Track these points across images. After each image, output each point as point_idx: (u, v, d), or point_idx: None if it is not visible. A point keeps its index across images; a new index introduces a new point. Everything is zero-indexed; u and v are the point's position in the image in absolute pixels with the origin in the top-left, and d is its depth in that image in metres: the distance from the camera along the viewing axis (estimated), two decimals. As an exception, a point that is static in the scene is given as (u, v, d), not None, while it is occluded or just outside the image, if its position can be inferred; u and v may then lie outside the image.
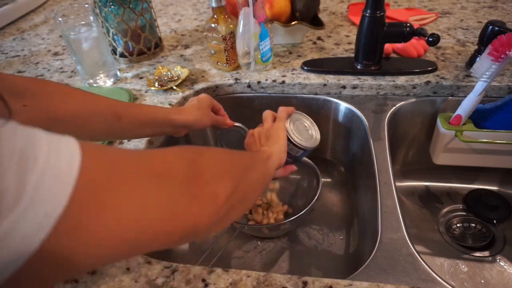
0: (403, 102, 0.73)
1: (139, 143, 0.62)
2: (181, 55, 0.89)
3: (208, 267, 0.44)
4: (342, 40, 0.89)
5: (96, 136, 0.49)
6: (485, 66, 0.58)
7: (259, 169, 0.45)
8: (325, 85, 0.75)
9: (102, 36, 0.76)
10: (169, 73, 0.78)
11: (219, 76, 0.79)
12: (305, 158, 0.72)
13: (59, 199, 0.20)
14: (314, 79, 0.75)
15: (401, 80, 0.72)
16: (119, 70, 0.84)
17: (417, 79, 0.72)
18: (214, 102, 0.61)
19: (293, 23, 0.80)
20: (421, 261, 0.46)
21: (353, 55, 0.77)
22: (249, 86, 0.77)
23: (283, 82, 0.75)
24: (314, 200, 0.65)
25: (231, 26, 0.74)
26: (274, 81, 0.76)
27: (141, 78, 0.81)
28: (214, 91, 0.78)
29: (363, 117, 0.70)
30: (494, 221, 0.72)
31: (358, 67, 0.75)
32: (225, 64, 0.79)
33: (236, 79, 0.77)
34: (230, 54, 0.77)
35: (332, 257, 0.69)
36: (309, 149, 0.56)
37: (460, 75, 0.72)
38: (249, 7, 0.68)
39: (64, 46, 0.99)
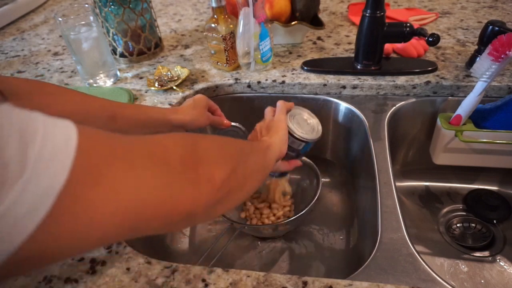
0: (403, 102, 0.73)
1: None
2: (181, 55, 0.89)
3: (208, 267, 0.44)
4: (342, 40, 0.89)
5: None
6: (485, 66, 0.58)
7: (258, 156, 0.45)
8: (325, 85, 0.75)
9: (102, 36, 0.76)
10: (169, 73, 0.78)
11: (219, 76, 0.79)
12: (305, 158, 0.72)
13: (60, 172, 0.20)
14: (314, 79, 0.75)
15: (401, 80, 0.72)
16: (119, 70, 0.84)
17: (417, 79, 0.72)
18: (211, 103, 0.62)
19: (293, 23, 0.80)
20: (421, 261, 0.46)
21: (353, 55, 0.77)
22: (249, 86, 0.77)
23: (283, 82, 0.75)
24: (314, 200, 0.65)
25: (231, 26, 0.74)
26: (274, 81, 0.76)
27: (141, 78, 0.81)
28: (214, 91, 0.78)
29: (363, 117, 0.70)
30: (494, 221, 0.72)
31: (358, 67, 0.75)
32: (225, 64, 0.79)
33: (236, 79, 0.77)
34: (230, 54, 0.77)
35: (332, 257, 0.69)
36: (311, 141, 0.56)
37: (460, 75, 0.72)
38: (249, 7, 0.68)
39: (64, 46, 0.99)
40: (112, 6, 0.78)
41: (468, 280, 0.64)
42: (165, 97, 0.74)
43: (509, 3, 1.00)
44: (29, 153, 0.19)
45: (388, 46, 0.77)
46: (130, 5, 0.79)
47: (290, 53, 0.85)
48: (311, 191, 0.70)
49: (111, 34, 0.83)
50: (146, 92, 0.76)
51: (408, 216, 0.76)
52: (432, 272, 0.44)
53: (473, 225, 0.73)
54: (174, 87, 0.75)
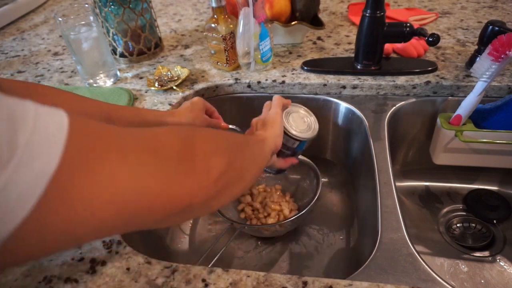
0: (403, 102, 0.73)
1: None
2: (181, 55, 0.89)
3: (208, 267, 0.44)
4: (342, 40, 0.89)
5: None
6: (485, 66, 0.58)
7: (254, 149, 0.45)
8: (325, 85, 0.75)
9: (102, 36, 0.76)
10: (169, 73, 0.78)
11: (219, 76, 0.79)
12: (305, 158, 0.72)
13: (51, 156, 0.20)
14: (314, 79, 0.75)
15: (401, 80, 0.72)
16: (119, 70, 0.84)
17: (417, 79, 0.72)
18: (208, 105, 0.61)
19: (293, 23, 0.80)
20: (421, 261, 0.46)
21: (353, 55, 0.77)
22: (249, 86, 0.77)
23: (283, 82, 0.75)
24: (314, 200, 0.65)
25: (231, 26, 0.74)
26: (274, 81, 0.76)
27: (141, 78, 0.81)
28: (214, 91, 0.78)
29: (363, 117, 0.71)
30: (494, 221, 0.72)
31: (358, 67, 0.75)
32: (225, 64, 0.79)
33: (236, 79, 0.77)
34: (230, 54, 0.77)
35: (332, 257, 0.69)
36: (305, 139, 0.55)
37: (460, 75, 0.72)
38: (249, 7, 0.68)
39: (64, 46, 0.99)
40: (112, 6, 0.78)
41: (468, 280, 0.64)
42: (165, 97, 0.74)
43: (509, 3, 1.00)
44: (19, 138, 0.18)
45: (388, 46, 0.77)
46: (130, 5, 0.79)
47: (290, 53, 0.85)
48: (311, 191, 0.70)
49: (111, 34, 0.83)
50: (146, 92, 0.76)
51: (408, 216, 0.76)
52: (432, 272, 0.44)
53: (473, 225, 0.73)
54: (174, 87, 0.75)
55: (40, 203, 0.19)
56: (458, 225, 0.74)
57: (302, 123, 0.56)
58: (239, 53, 0.77)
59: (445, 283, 0.43)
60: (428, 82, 0.71)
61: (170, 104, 0.72)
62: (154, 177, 0.26)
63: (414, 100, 0.73)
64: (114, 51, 0.87)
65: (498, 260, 0.67)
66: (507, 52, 0.54)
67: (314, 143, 0.58)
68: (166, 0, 1.26)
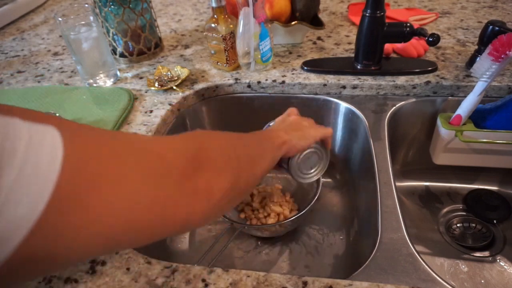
0: (403, 102, 0.73)
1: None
2: (181, 55, 0.89)
3: (208, 267, 0.44)
4: (342, 40, 0.89)
5: None
6: (485, 66, 0.58)
7: (266, 159, 0.43)
8: (325, 85, 0.75)
9: (102, 36, 0.76)
10: (169, 73, 0.78)
11: (219, 76, 0.79)
12: None
13: (39, 198, 0.18)
14: (314, 79, 0.75)
15: (401, 80, 0.72)
16: (119, 70, 0.84)
17: (417, 79, 0.72)
18: None
19: (293, 23, 0.80)
20: (421, 261, 0.46)
21: (353, 55, 0.77)
22: (249, 86, 0.77)
23: (283, 82, 0.75)
24: (314, 200, 0.65)
25: (231, 26, 0.74)
26: (274, 81, 0.76)
27: (141, 78, 0.81)
28: (214, 91, 0.78)
29: (363, 117, 0.71)
30: (494, 221, 0.72)
31: (358, 67, 0.75)
32: (225, 64, 0.79)
33: (236, 79, 0.77)
34: (230, 54, 0.77)
35: (332, 257, 0.69)
36: (298, 180, 0.56)
37: (460, 75, 0.72)
38: (249, 7, 0.68)
39: (64, 46, 0.99)
40: (112, 6, 0.78)
41: (468, 280, 0.64)
42: (165, 97, 0.74)
43: (509, 3, 1.00)
44: (4, 179, 0.17)
45: (388, 46, 0.77)
46: (130, 5, 0.79)
47: (290, 53, 0.85)
48: (311, 191, 0.70)
49: (111, 34, 0.83)
50: (146, 92, 0.76)
51: (408, 216, 0.76)
52: (432, 272, 0.44)
53: (473, 225, 0.73)
54: (174, 87, 0.75)
55: (21, 245, 0.18)
56: (458, 225, 0.74)
57: (307, 167, 0.56)
58: (239, 53, 0.77)
59: (445, 283, 0.43)
60: (428, 82, 0.71)
61: (170, 104, 0.72)
62: (152, 202, 0.25)
63: (414, 100, 0.73)
64: (114, 51, 0.87)
65: (498, 260, 0.67)
66: (507, 52, 0.54)
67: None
68: (166, 0, 1.26)
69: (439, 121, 0.68)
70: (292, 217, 0.65)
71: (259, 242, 0.72)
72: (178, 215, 0.28)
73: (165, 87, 0.75)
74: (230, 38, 0.75)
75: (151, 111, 0.70)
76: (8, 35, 1.10)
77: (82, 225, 0.21)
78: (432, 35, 0.63)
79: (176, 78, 0.77)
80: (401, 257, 0.47)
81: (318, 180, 0.69)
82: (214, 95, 0.79)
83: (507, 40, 0.55)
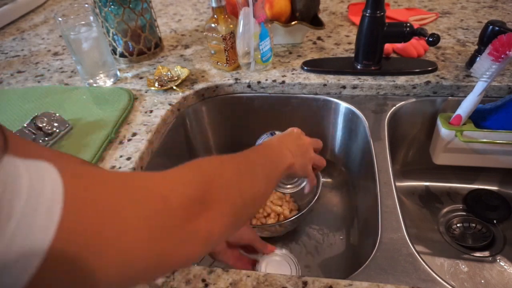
0: (403, 102, 0.73)
1: (139, 143, 0.62)
2: (181, 55, 0.89)
3: (208, 267, 0.44)
4: (342, 40, 0.89)
5: None
6: (485, 66, 0.58)
7: (271, 185, 0.42)
8: (325, 85, 0.75)
9: (102, 36, 0.76)
10: (169, 73, 0.78)
11: (219, 76, 0.79)
12: None
13: (30, 261, 0.18)
14: (314, 79, 0.75)
15: (401, 80, 0.72)
16: (119, 70, 0.84)
17: (417, 79, 0.72)
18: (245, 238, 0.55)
19: (293, 23, 0.80)
20: (421, 261, 0.46)
21: (353, 55, 0.77)
22: (249, 86, 0.77)
23: (283, 82, 0.75)
24: (314, 200, 0.65)
25: (231, 26, 0.74)
26: (274, 81, 0.76)
27: (141, 78, 0.81)
28: (214, 91, 0.78)
29: (363, 117, 0.71)
30: (494, 221, 0.72)
31: (358, 67, 0.75)
32: (225, 64, 0.79)
33: (236, 79, 0.77)
34: (230, 54, 0.77)
35: (332, 257, 0.69)
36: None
37: (460, 75, 0.72)
38: (249, 7, 0.68)
39: (64, 46, 0.99)
40: (112, 6, 0.78)
41: (468, 280, 0.64)
42: (165, 97, 0.74)
43: (509, 3, 1.00)
44: (8, 227, 0.17)
45: (388, 46, 0.77)
46: (130, 5, 0.79)
47: (290, 53, 0.85)
48: (311, 191, 0.70)
49: (111, 34, 0.83)
50: (146, 92, 0.76)
51: (408, 216, 0.76)
52: (432, 272, 0.44)
53: (473, 225, 0.73)
54: (174, 87, 0.75)
55: (33, 279, 0.18)
56: (458, 225, 0.74)
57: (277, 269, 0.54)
58: (239, 53, 0.77)
59: (445, 283, 0.43)
60: (428, 82, 0.71)
61: (170, 104, 0.72)
62: (151, 252, 0.24)
63: (414, 100, 0.73)
64: (114, 51, 0.87)
65: (498, 260, 0.67)
66: (507, 52, 0.54)
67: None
68: (166, 0, 1.26)
69: (439, 121, 0.68)
70: (292, 217, 0.65)
71: (259, 242, 0.72)
72: (176, 260, 0.27)
73: (165, 87, 0.75)
74: (230, 38, 0.75)
75: (151, 111, 0.70)
76: (8, 35, 1.10)
77: (77, 284, 0.20)
78: (432, 35, 0.63)
79: (176, 78, 0.77)
80: (401, 257, 0.47)
81: (318, 180, 0.69)
82: (214, 95, 0.79)
83: (507, 40, 0.55)
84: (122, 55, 0.86)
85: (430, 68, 0.73)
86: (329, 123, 0.79)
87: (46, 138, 0.61)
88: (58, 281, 0.20)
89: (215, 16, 0.73)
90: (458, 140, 0.66)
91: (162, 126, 0.69)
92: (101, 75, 0.78)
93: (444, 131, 0.67)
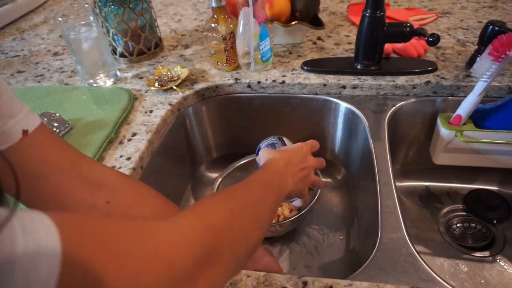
0: (403, 102, 0.73)
1: (139, 143, 0.62)
2: (181, 55, 0.89)
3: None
4: (342, 40, 0.89)
5: None
6: (485, 66, 0.58)
7: (273, 216, 0.42)
8: (325, 85, 0.75)
9: (102, 36, 0.76)
10: (169, 73, 0.78)
11: (219, 76, 0.79)
12: None
13: None
14: (314, 79, 0.75)
15: (401, 80, 0.72)
16: (119, 70, 0.84)
17: (417, 79, 0.72)
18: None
19: (293, 23, 0.80)
20: (421, 261, 0.46)
21: (353, 55, 0.77)
22: (249, 86, 0.77)
23: (283, 82, 0.75)
24: (314, 200, 0.65)
25: (231, 26, 0.74)
26: (274, 81, 0.76)
27: (141, 78, 0.81)
28: (214, 91, 0.78)
29: (363, 117, 0.70)
30: (494, 221, 0.72)
31: (358, 67, 0.75)
32: (225, 64, 0.79)
33: (236, 79, 0.77)
34: (230, 54, 0.77)
35: (332, 257, 0.69)
36: None
37: (460, 75, 0.72)
38: (249, 7, 0.68)
39: (64, 46, 0.99)
40: (112, 6, 0.78)
41: (468, 280, 0.64)
42: (165, 97, 0.74)
43: (509, 3, 1.00)
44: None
45: (388, 46, 0.77)
46: (130, 5, 0.79)
47: (290, 53, 0.85)
48: (311, 191, 0.70)
49: (111, 34, 0.83)
50: (146, 92, 0.76)
51: (408, 216, 0.76)
52: (432, 272, 0.44)
53: (473, 225, 0.73)
54: (174, 87, 0.75)
55: None
56: (458, 225, 0.74)
57: None
58: (239, 53, 0.77)
59: (445, 283, 0.43)
60: (428, 82, 0.71)
61: (170, 104, 0.72)
62: None
63: (414, 100, 0.73)
64: (114, 51, 0.87)
65: (498, 260, 0.67)
66: (507, 52, 0.54)
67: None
68: (166, 0, 1.26)
69: (439, 121, 0.68)
70: (292, 217, 0.65)
71: (259, 242, 0.72)
72: None
73: (165, 87, 0.75)
74: (230, 38, 0.75)
75: (151, 111, 0.70)
76: (8, 35, 1.10)
77: None
78: (432, 35, 0.63)
79: (176, 78, 0.77)
80: (401, 257, 0.47)
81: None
82: (214, 95, 0.79)
83: (507, 40, 0.55)
84: (122, 55, 0.86)
85: (430, 68, 0.73)
86: (329, 123, 0.79)
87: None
88: None
89: (215, 16, 0.73)
90: (458, 140, 0.66)
91: (162, 126, 0.69)
92: (101, 75, 0.78)
93: (444, 131, 0.67)
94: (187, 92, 0.75)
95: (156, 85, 0.75)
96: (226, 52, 0.76)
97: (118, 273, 0.22)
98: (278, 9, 0.80)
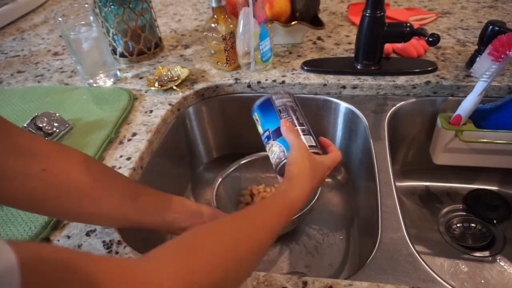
0: (403, 102, 0.73)
1: (139, 143, 0.62)
2: (181, 55, 0.89)
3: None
4: (342, 40, 0.89)
5: (108, 216, 0.43)
6: (485, 66, 0.58)
7: (268, 246, 0.39)
8: (325, 85, 0.75)
9: (102, 36, 0.76)
10: (169, 73, 0.78)
11: (219, 76, 0.79)
12: None
13: None
14: (314, 79, 0.75)
15: (401, 80, 0.72)
16: (119, 70, 0.84)
17: (417, 79, 0.72)
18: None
19: (293, 23, 0.80)
20: (421, 261, 0.46)
21: (353, 55, 0.77)
22: (249, 86, 0.77)
23: (283, 82, 0.75)
24: (314, 200, 0.65)
25: (231, 26, 0.74)
26: (274, 81, 0.76)
27: (141, 78, 0.81)
28: (214, 91, 0.78)
29: (363, 117, 0.70)
30: (494, 221, 0.72)
31: (358, 67, 0.75)
32: (225, 64, 0.79)
33: (236, 79, 0.77)
34: (230, 54, 0.77)
35: (332, 257, 0.69)
36: None
37: (460, 75, 0.72)
38: (249, 7, 0.68)
39: (64, 46, 0.99)
40: (112, 6, 0.78)
41: (468, 280, 0.64)
42: (165, 97, 0.74)
43: (509, 3, 1.00)
44: None
45: (388, 46, 0.77)
46: (130, 5, 0.79)
47: (290, 53, 0.85)
48: (311, 191, 0.70)
49: (111, 34, 0.83)
50: (146, 92, 0.76)
51: (408, 216, 0.76)
52: (432, 272, 0.44)
53: (473, 225, 0.73)
54: (174, 87, 0.75)
55: None
56: (458, 225, 0.74)
57: None
58: (239, 53, 0.77)
59: (445, 283, 0.43)
60: (428, 82, 0.71)
61: (170, 104, 0.71)
62: None
63: (414, 100, 0.73)
64: (114, 51, 0.87)
65: (498, 260, 0.67)
66: (507, 52, 0.54)
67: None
68: (166, 0, 1.26)
69: (439, 121, 0.68)
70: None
71: (259, 242, 0.72)
72: None
73: (165, 87, 0.75)
74: (230, 38, 0.75)
75: (151, 111, 0.70)
76: (8, 35, 1.10)
77: None
78: (432, 35, 0.63)
79: (176, 78, 0.77)
80: (401, 257, 0.47)
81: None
82: (214, 95, 0.79)
83: (507, 40, 0.55)
84: (122, 55, 0.86)
85: (430, 68, 0.73)
86: (329, 123, 0.79)
87: (46, 138, 0.61)
88: None
89: (215, 16, 0.73)
90: (458, 140, 0.66)
91: (162, 126, 0.69)
92: (101, 75, 0.78)
93: (444, 131, 0.67)
94: (187, 92, 0.75)
95: (156, 85, 0.75)
96: (226, 52, 0.76)
97: None
98: (278, 9, 0.80)
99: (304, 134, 0.48)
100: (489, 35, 0.67)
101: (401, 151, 0.81)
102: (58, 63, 0.91)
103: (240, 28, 0.72)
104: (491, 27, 0.67)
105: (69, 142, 0.62)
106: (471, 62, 0.72)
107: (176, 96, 0.74)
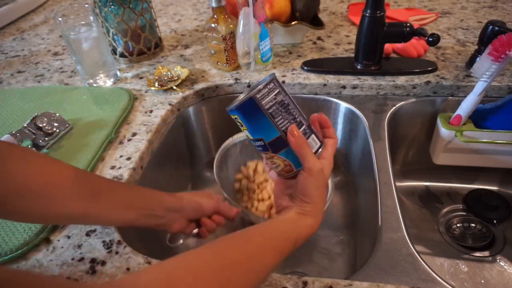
0: (403, 102, 0.73)
1: (139, 143, 0.62)
2: (181, 55, 0.89)
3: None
4: (342, 40, 0.89)
5: (69, 215, 0.41)
6: (485, 66, 0.58)
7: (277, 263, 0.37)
8: (325, 85, 0.75)
9: (102, 36, 0.76)
10: (169, 73, 0.78)
11: (219, 76, 0.79)
12: None
13: None
14: (314, 79, 0.75)
15: (401, 80, 0.72)
16: (119, 70, 0.84)
17: (417, 79, 0.72)
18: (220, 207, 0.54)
19: (293, 23, 0.80)
20: (421, 261, 0.46)
21: (353, 55, 0.77)
22: (249, 86, 0.77)
23: (283, 82, 0.75)
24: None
25: (231, 26, 0.74)
26: (274, 81, 0.75)
27: (141, 78, 0.81)
28: (214, 91, 0.78)
29: (363, 117, 0.71)
30: (494, 221, 0.72)
31: (358, 67, 0.75)
32: (225, 64, 0.79)
33: (236, 79, 0.77)
34: (230, 54, 0.77)
35: (332, 257, 0.69)
36: None
37: (460, 75, 0.72)
38: (249, 7, 0.68)
39: (64, 46, 0.99)
40: (112, 6, 0.78)
41: (468, 280, 0.64)
42: (165, 97, 0.74)
43: (509, 3, 1.00)
44: None
45: (388, 46, 0.77)
46: (130, 5, 0.79)
47: (290, 53, 0.85)
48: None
49: (111, 34, 0.83)
50: (146, 92, 0.76)
51: (408, 216, 0.76)
52: (432, 272, 0.44)
53: (473, 225, 0.73)
54: (174, 87, 0.75)
55: None
56: (458, 225, 0.74)
57: None
58: (239, 53, 0.77)
59: (445, 283, 0.43)
60: (428, 82, 0.71)
61: (170, 104, 0.71)
62: None
63: (414, 100, 0.73)
64: (114, 51, 0.87)
65: (498, 260, 0.67)
66: (507, 52, 0.54)
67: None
68: (166, 0, 1.26)
69: (439, 121, 0.68)
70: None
71: (259, 242, 0.72)
72: None
73: (165, 87, 0.75)
74: (230, 38, 0.75)
75: (151, 111, 0.70)
76: (8, 35, 1.10)
77: None
78: (432, 35, 0.64)
79: (176, 78, 0.77)
80: (401, 257, 0.47)
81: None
82: (214, 95, 0.79)
83: (507, 40, 0.55)
84: (122, 55, 0.86)
85: (430, 68, 0.73)
86: (329, 123, 0.79)
87: (46, 138, 0.61)
88: None
89: (215, 16, 0.73)
90: (458, 140, 0.66)
91: (162, 126, 0.69)
92: (101, 75, 0.78)
93: (444, 131, 0.67)
94: (187, 92, 0.75)
95: (156, 85, 0.75)
96: (226, 52, 0.76)
97: None
98: (278, 9, 0.80)
99: (307, 137, 0.42)
100: (489, 35, 0.67)
101: (401, 151, 0.81)
102: (58, 63, 0.91)
103: (240, 28, 0.72)
104: (491, 27, 0.67)
105: (69, 142, 0.62)
106: (471, 62, 0.72)
107: (176, 96, 0.74)
